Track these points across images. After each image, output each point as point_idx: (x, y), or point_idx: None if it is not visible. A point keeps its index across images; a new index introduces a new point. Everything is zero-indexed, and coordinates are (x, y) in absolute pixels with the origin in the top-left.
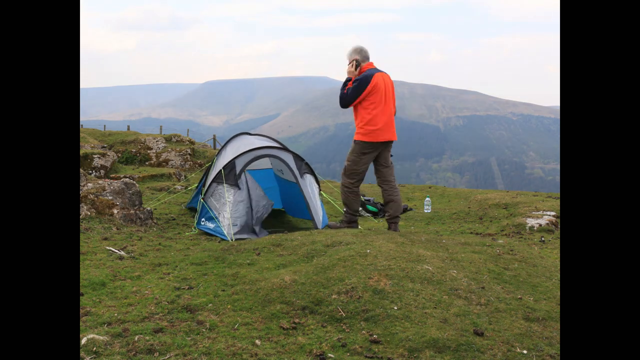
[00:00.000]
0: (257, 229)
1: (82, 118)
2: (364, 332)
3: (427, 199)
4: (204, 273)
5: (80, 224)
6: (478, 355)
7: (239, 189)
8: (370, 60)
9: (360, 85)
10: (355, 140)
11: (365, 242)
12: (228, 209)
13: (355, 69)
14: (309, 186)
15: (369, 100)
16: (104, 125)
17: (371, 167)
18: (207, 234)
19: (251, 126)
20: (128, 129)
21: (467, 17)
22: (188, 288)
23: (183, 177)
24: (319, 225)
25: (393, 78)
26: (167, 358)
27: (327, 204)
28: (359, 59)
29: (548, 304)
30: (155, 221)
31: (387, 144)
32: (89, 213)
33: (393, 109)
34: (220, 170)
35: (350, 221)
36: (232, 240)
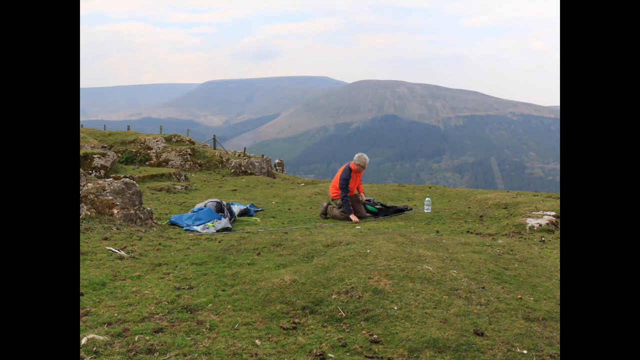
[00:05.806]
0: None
1: (82, 118)
2: (364, 332)
3: (427, 199)
4: (204, 273)
5: (80, 224)
6: (478, 355)
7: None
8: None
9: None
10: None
11: (365, 242)
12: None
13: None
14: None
15: None
16: (104, 125)
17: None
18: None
19: (251, 126)
20: (128, 129)
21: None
22: (188, 288)
23: (183, 177)
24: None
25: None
26: (167, 358)
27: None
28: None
29: (548, 304)
30: (155, 221)
31: None
32: (89, 213)
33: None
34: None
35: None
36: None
